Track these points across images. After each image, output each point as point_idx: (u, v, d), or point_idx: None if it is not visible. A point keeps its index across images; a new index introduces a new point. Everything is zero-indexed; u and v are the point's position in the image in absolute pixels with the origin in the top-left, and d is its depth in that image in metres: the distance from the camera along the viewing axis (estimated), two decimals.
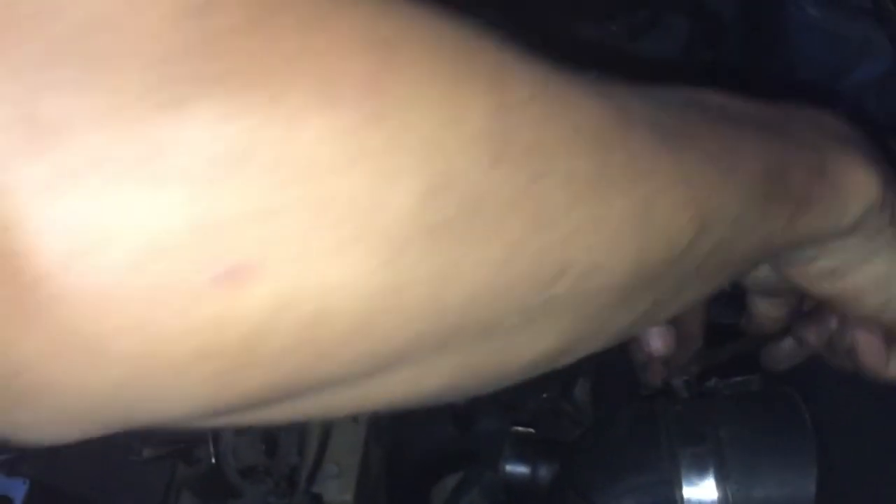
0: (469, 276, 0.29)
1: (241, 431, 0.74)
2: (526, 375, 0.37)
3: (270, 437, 0.77)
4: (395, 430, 0.97)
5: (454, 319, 0.30)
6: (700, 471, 0.61)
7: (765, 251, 0.44)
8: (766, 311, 0.64)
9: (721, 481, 0.60)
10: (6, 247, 0.23)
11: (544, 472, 0.68)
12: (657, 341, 0.68)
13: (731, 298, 0.81)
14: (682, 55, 1.29)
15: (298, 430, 0.82)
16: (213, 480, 0.73)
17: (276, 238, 0.25)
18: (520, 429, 0.70)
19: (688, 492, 0.61)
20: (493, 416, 0.83)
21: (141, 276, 0.24)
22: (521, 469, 0.68)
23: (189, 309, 0.25)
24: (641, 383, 0.72)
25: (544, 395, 0.78)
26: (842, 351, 0.59)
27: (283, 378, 0.28)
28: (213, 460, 0.72)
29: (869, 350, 0.55)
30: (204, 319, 0.25)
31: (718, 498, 0.60)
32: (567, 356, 0.38)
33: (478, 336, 0.31)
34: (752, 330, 0.66)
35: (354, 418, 1.00)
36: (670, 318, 0.50)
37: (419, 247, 0.27)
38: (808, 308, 0.62)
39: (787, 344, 0.64)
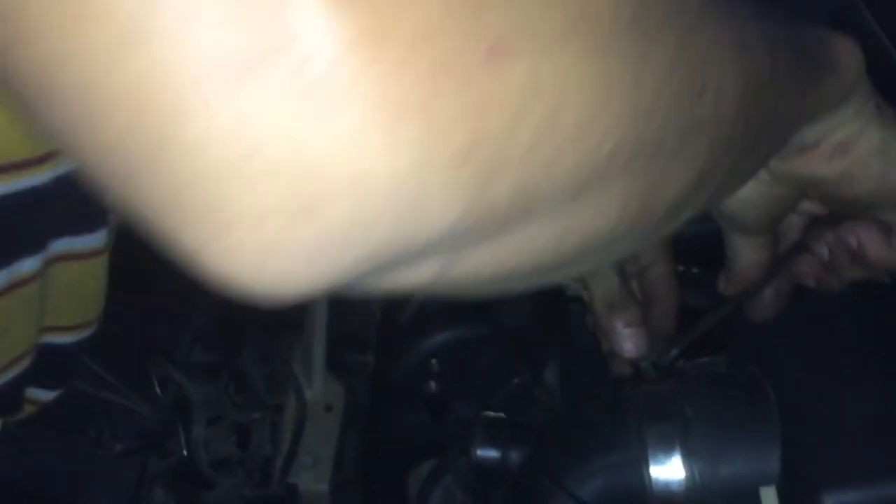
0: (649, 82, 0.31)
1: (212, 422, 0.74)
2: (663, 222, 0.39)
3: (242, 429, 0.77)
4: (368, 419, 0.97)
5: (639, 130, 0.31)
6: (667, 449, 0.61)
7: (792, 123, 0.48)
8: (747, 255, 0.65)
9: (687, 459, 0.61)
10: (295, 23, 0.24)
11: (515, 456, 0.68)
12: (629, 344, 0.70)
13: (702, 283, 0.82)
14: None
15: (271, 422, 0.82)
16: (185, 473, 0.73)
17: (518, 21, 0.26)
18: (490, 413, 0.70)
19: (655, 470, 0.61)
20: (465, 403, 0.84)
21: (423, 55, 0.25)
22: (491, 453, 0.68)
23: (462, 89, 0.26)
24: (609, 367, 0.72)
25: (515, 381, 0.78)
26: (844, 261, 0.60)
27: (526, 181, 0.29)
28: (185, 453, 0.72)
29: (873, 241, 0.57)
30: (474, 100, 0.26)
31: (685, 476, 0.61)
32: (695, 198, 0.40)
33: (648, 157, 0.33)
34: (732, 284, 0.67)
35: (328, 407, 1.01)
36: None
37: (620, 43, 0.29)
38: (785, 250, 0.64)
39: (771, 291, 0.66)
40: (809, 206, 0.62)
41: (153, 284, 0.76)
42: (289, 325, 1.04)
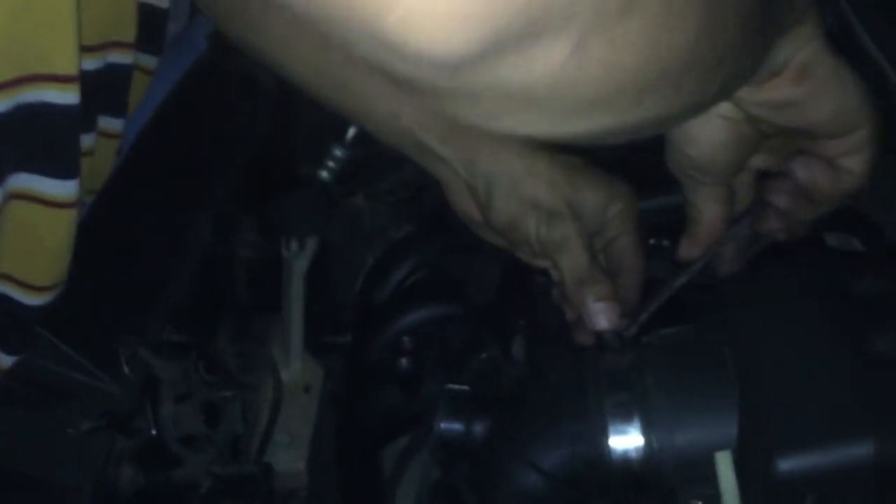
0: None
1: (180, 400, 0.75)
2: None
3: (211, 407, 0.77)
4: (342, 397, 0.98)
5: None
6: (625, 418, 0.62)
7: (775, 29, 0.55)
8: (711, 209, 0.68)
9: (646, 427, 0.61)
10: None
11: (479, 428, 0.69)
12: (601, 318, 0.70)
13: (673, 256, 0.82)
14: None
15: (242, 400, 0.82)
16: (153, 451, 0.73)
17: None
18: (454, 387, 0.70)
19: (614, 440, 0.62)
20: (436, 380, 0.84)
21: None
22: (455, 426, 0.69)
23: None
24: (573, 338, 0.73)
25: (483, 356, 0.79)
26: (801, 204, 0.66)
27: None
28: (154, 431, 0.73)
29: (823, 175, 0.64)
30: None
31: (643, 444, 0.61)
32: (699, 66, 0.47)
33: None
34: (696, 243, 0.69)
35: (307, 388, 1.01)
36: None
37: None
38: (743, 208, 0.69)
39: (731, 248, 0.70)
40: (757, 161, 0.67)
41: (123, 263, 0.76)
42: (267, 307, 1.04)
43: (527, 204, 0.72)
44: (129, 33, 0.68)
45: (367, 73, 0.71)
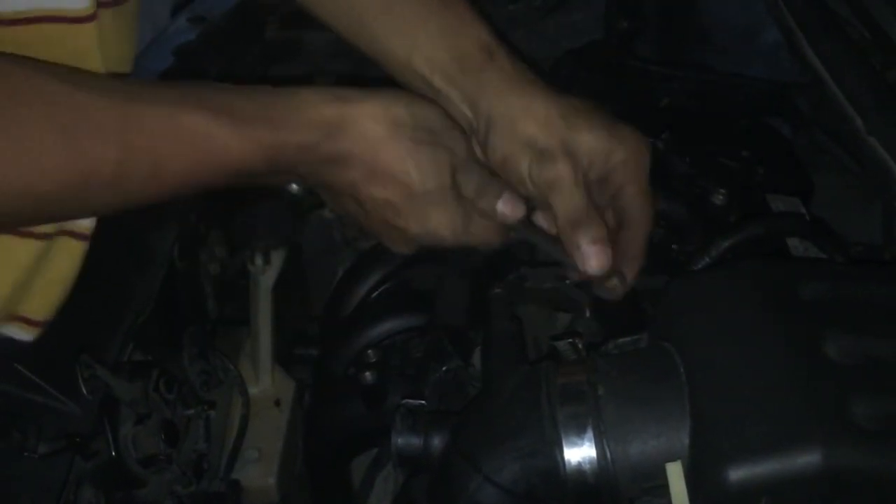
0: None
1: (140, 421, 0.74)
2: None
3: (170, 426, 0.77)
4: (309, 412, 0.97)
5: None
6: (579, 430, 0.61)
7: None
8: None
9: (599, 438, 0.61)
10: None
11: (437, 442, 0.68)
12: (593, 261, 0.70)
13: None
14: (602, 25, 1.30)
15: (205, 418, 0.82)
16: (113, 472, 0.73)
17: None
18: (410, 402, 0.70)
19: (569, 453, 0.61)
20: (401, 393, 0.84)
21: None
22: (413, 441, 0.68)
23: None
24: (527, 349, 0.72)
25: (444, 369, 0.78)
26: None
27: None
28: (113, 452, 0.72)
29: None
30: None
31: (597, 455, 0.61)
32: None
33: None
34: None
35: (277, 402, 1.01)
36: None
37: None
38: None
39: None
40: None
41: (85, 281, 0.76)
42: (234, 323, 1.04)
43: (521, 142, 0.72)
44: None
45: (385, 13, 0.77)
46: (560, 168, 0.71)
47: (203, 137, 0.64)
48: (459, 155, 0.72)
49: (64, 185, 0.59)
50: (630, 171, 0.73)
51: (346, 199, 0.72)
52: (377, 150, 0.69)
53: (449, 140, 0.71)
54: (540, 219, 0.75)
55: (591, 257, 0.70)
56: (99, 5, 0.68)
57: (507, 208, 0.72)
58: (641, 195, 0.73)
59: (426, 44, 0.76)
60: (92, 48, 0.68)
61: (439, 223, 0.71)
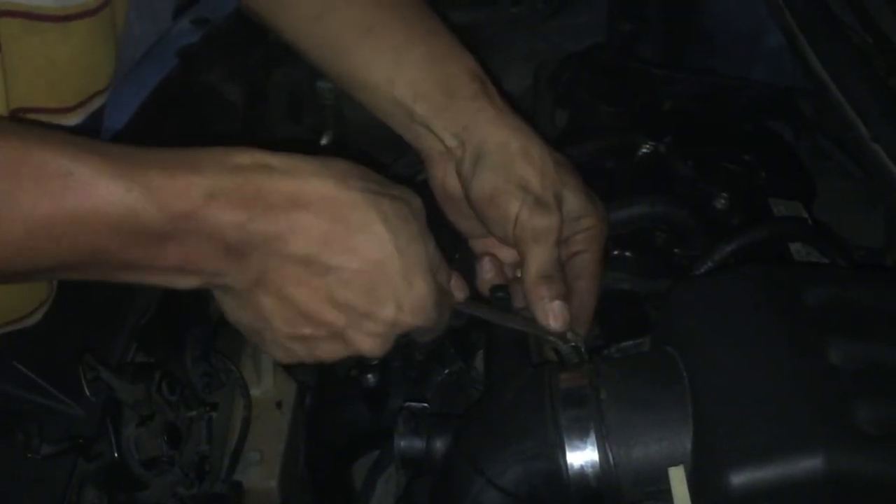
0: None
1: (143, 423, 0.74)
2: None
3: (172, 428, 0.77)
4: (311, 414, 0.97)
5: None
6: (581, 433, 0.61)
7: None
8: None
9: (602, 441, 0.61)
10: None
11: (439, 445, 0.69)
12: (555, 315, 0.69)
13: (635, 267, 0.82)
14: (605, 27, 1.30)
15: (208, 420, 0.82)
16: (116, 474, 0.73)
17: None
18: (413, 405, 0.70)
19: (571, 456, 0.61)
20: (403, 395, 0.84)
21: None
22: (416, 444, 0.69)
23: None
24: (531, 353, 0.73)
25: (446, 371, 0.79)
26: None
27: None
28: (116, 454, 0.72)
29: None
30: None
31: (600, 458, 0.61)
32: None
33: None
34: None
35: (278, 403, 1.01)
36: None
37: None
38: None
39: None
40: None
41: (86, 287, 0.76)
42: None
43: (515, 183, 0.70)
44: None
45: (365, 40, 0.73)
46: (553, 220, 0.70)
47: (55, 177, 0.52)
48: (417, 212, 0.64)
49: None
50: (594, 238, 0.73)
51: (295, 290, 0.59)
52: (328, 208, 0.58)
53: (401, 192, 0.63)
54: (486, 265, 0.74)
55: (558, 313, 0.69)
56: (75, 16, 0.64)
57: (457, 286, 0.69)
58: (597, 265, 0.74)
59: (410, 69, 0.73)
60: (61, 51, 0.64)
61: (421, 294, 0.62)
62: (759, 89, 1.14)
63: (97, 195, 0.52)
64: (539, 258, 0.70)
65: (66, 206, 0.52)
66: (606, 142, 0.96)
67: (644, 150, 0.93)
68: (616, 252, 0.82)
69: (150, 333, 0.85)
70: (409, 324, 0.62)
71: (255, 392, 0.98)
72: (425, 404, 0.70)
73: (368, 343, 0.61)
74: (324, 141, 1.24)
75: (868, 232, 0.91)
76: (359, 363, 0.89)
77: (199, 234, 0.55)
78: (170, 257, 0.56)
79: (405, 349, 0.86)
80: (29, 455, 0.69)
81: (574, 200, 0.72)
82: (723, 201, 0.86)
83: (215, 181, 0.55)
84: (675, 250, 0.83)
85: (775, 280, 0.64)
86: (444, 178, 0.74)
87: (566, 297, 0.70)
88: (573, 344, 0.68)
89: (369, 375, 0.85)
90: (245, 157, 0.57)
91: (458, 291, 0.68)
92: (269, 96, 1.17)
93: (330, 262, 0.58)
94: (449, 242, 0.74)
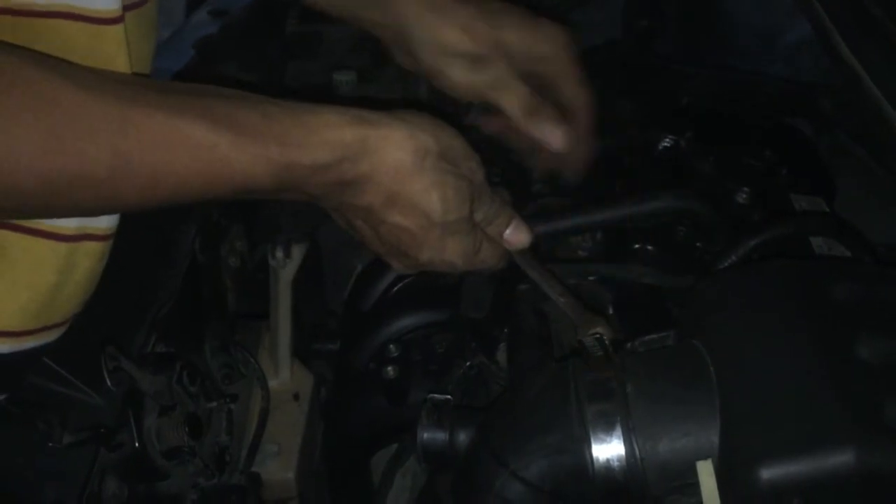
0: None
1: (164, 413, 0.74)
2: None
3: (193, 419, 0.77)
4: (330, 406, 0.97)
5: None
6: (607, 427, 0.61)
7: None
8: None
9: (628, 435, 0.60)
10: None
11: (462, 437, 0.68)
12: (557, 135, 0.76)
13: (657, 261, 0.81)
14: (621, 23, 1.30)
15: (227, 411, 0.82)
16: (137, 464, 0.73)
17: None
18: (436, 396, 0.70)
19: (597, 449, 0.61)
20: (423, 388, 0.84)
21: None
22: (438, 436, 0.68)
23: None
24: (554, 346, 0.72)
25: (468, 364, 0.78)
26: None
27: None
28: (137, 444, 0.72)
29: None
30: None
31: (626, 452, 0.60)
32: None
33: None
34: None
35: (296, 396, 1.01)
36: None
37: None
38: None
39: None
40: None
41: (109, 274, 0.76)
42: (254, 316, 1.04)
43: (447, 51, 0.75)
44: None
45: None
46: (498, 69, 0.74)
47: (202, 149, 0.60)
48: (476, 184, 0.70)
49: (45, 182, 0.56)
50: (561, 63, 0.77)
51: (358, 221, 0.71)
52: (401, 178, 0.67)
53: (468, 169, 0.70)
54: (494, 120, 0.79)
55: (558, 133, 0.74)
56: (123, 8, 0.67)
57: (514, 236, 0.74)
58: (577, 84, 0.77)
59: None
60: (118, 50, 0.67)
61: (454, 252, 0.71)
62: (778, 86, 1.13)
63: (230, 167, 0.62)
64: (510, 101, 0.75)
65: (203, 170, 0.61)
66: (626, 137, 0.96)
67: (664, 145, 0.93)
68: (637, 246, 0.82)
69: (170, 325, 0.85)
70: (444, 269, 0.72)
71: (272, 384, 0.98)
72: (448, 396, 0.70)
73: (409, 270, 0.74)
74: None
75: (887, 229, 0.91)
76: (378, 356, 0.88)
77: (299, 192, 0.67)
78: (282, 198, 0.69)
79: (425, 342, 0.86)
80: (51, 444, 0.68)
81: (516, 35, 0.76)
82: (744, 196, 0.86)
83: (320, 156, 0.64)
84: (697, 244, 0.83)
85: (803, 275, 0.63)
86: (408, 63, 0.79)
87: (562, 117, 0.76)
88: (597, 335, 0.68)
89: (389, 368, 0.85)
90: (350, 132, 0.66)
91: (520, 234, 0.74)
92: (286, 88, 1.17)
93: (384, 217, 0.68)
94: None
